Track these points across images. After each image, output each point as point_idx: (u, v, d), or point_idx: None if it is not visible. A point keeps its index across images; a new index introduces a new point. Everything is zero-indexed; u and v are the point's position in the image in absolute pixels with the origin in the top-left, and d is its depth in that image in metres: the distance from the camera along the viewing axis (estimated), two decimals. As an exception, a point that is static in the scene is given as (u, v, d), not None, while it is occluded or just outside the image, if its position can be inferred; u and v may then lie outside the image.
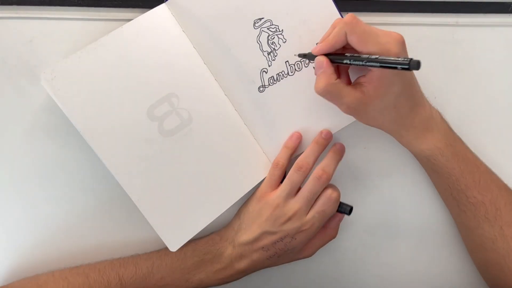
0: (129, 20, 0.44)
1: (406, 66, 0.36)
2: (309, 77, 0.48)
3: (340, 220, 0.51)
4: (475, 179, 0.46)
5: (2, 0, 0.45)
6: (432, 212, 0.54)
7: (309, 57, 0.45)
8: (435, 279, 0.56)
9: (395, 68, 0.37)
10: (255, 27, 0.46)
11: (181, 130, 0.46)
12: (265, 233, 0.47)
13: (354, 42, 0.40)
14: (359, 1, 0.48)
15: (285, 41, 0.47)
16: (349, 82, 0.45)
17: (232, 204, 0.49)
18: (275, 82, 0.48)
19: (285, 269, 0.53)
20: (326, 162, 0.47)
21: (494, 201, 0.46)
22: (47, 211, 0.49)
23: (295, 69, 0.47)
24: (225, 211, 0.49)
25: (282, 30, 0.46)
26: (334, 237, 0.51)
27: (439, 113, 0.47)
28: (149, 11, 0.44)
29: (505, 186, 0.48)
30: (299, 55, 0.46)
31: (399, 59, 0.37)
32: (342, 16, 0.46)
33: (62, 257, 0.50)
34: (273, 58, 0.47)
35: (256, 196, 0.48)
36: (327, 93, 0.42)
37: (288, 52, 0.47)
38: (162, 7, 0.45)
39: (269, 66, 0.47)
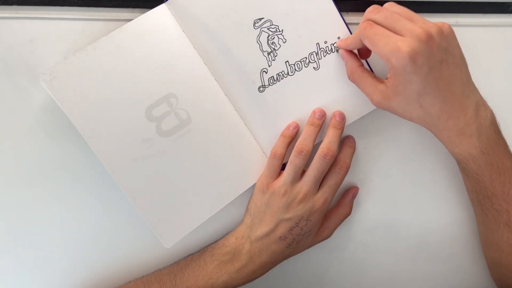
0: (129, 20, 0.44)
1: None
2: (308, 77, 0.48)
3: (354, 197, 0.52)
4: (504, 189, 0.44)
5: (2, 0, 0.45)
6: (432, 213, 0.54)
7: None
8: (435, 279, 0.56)
9: None
10: (255, 27, 0.46)
11: (180, 130, 0.46)
12: (280, 222, 0.47)
13: (368, 45, 0.41)
14: (359, 1, 0.48)
15: (285, 41, 0.47)
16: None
17: (229, 202, 0.49)
18: (275, 82, 0.48)
19: (284, 269, 0.53)
20: (328, 140, 0.47)
21: None
22: (46, 210, 0.49)
23: (295, 69, 0.47)
24: (225, 212, 0.49)
25: (282, 30, 0.46)
26: (348, 214, 0.52)
27: (490, 118, 0.43)
28: (149, 11, 0.44)
29: None
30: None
31: None
32: (342, 16, 0.46)
33: (62, 257, 0.50)
34: (273, 58, 0.47)
35: (259, 189, 0.48)
36: (352, 80, 0.45)
37: (288, 52, 0.47)
38: (162, 7, 0.45)
39: (269, 66, 0.47)
